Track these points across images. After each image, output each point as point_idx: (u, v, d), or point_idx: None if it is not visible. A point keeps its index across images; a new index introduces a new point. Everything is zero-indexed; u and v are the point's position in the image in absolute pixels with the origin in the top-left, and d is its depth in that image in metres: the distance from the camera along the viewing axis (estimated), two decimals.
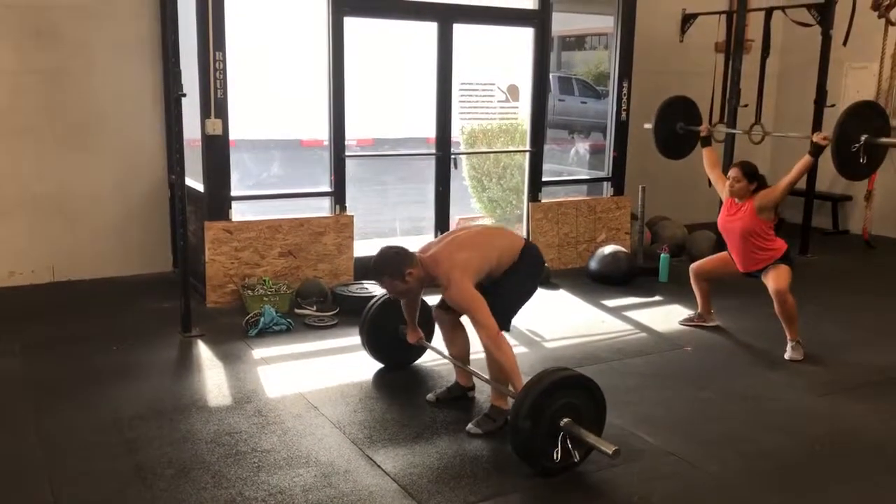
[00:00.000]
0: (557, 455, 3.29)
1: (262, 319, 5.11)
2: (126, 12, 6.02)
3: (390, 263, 3.73)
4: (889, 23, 7.50)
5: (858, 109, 4.97)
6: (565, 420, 3.28)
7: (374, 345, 4.48)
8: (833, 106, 7.76)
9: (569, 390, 3.35)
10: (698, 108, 5.99)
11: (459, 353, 4.15)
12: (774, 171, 7.39)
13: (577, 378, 3.43)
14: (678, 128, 5.54)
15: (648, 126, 5.97)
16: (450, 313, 4.06)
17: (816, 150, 4.85)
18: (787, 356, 4.88)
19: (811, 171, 7.66)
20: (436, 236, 6.19)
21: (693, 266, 5.39)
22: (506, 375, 3.64)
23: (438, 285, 3.75)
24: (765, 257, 4.95)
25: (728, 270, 5.21)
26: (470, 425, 3.78)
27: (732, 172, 4.95)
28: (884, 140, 4.91)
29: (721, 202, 5.25)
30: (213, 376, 4.42)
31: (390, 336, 4.43)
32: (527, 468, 3.39)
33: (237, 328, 5.14)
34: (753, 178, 4.92)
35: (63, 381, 4.28)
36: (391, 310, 4.38)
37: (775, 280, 4.87)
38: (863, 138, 4.85)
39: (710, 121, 7.93)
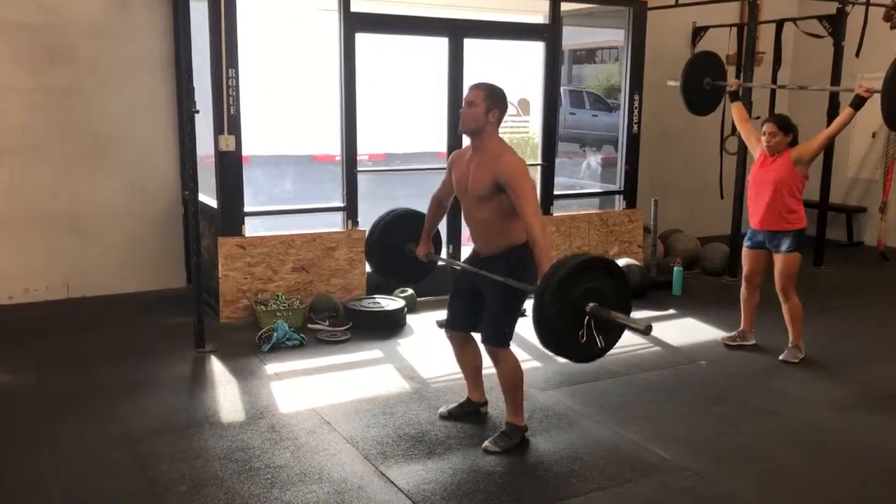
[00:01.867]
0: (583, 336, 3.15)
1: (274, 335, 5.12)
2: (139, 30, 6.08)
3: (497, 91, 3.66)
4: None
5: None
6: (591, 306, 3.14)
7: (380, 259, 4.28)
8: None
9: (592, 274, 3.19)
10: (724, 65, 5.86)
11: (471, 367, 4.13)
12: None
13: (601, 262, 3.29)
14: (705, 83, 5.47)
15: (673, 83, 5.85)
16: (459, 332, 4.03)
17: (859, 102, 4.83)
18: (781, 357, 4.96)
19: (825, 182, 7.68)
20: (448, 250, 6.19)
21: (746, 275, 5.22)
22: (540, 254, 3.42)
23: (480, 154, 3.63)
24: (784, 219, 4.89)
25: (761, 258, 5.11)
26: (487, 443, 3.76)
27: (767, 128, 4.89)
28: None
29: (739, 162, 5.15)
30: (226, 392, 4.43)
31: (397, 252, 4.22)
32: (541, 488, 3.37)
33: (250, 343, 5.15)
34: (788, 130, 4.89)
35: (77, 396, 4.30)
36: (399, 227, 4.22)
37: (781, 274, 4.90)
38: None
39: (723, 132, 7.94)
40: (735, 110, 5.42)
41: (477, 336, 3.91)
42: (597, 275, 3.20)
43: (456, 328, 4.03)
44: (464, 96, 3.71)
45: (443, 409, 4.16)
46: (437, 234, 4.26)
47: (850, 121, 4.88)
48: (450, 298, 4.06)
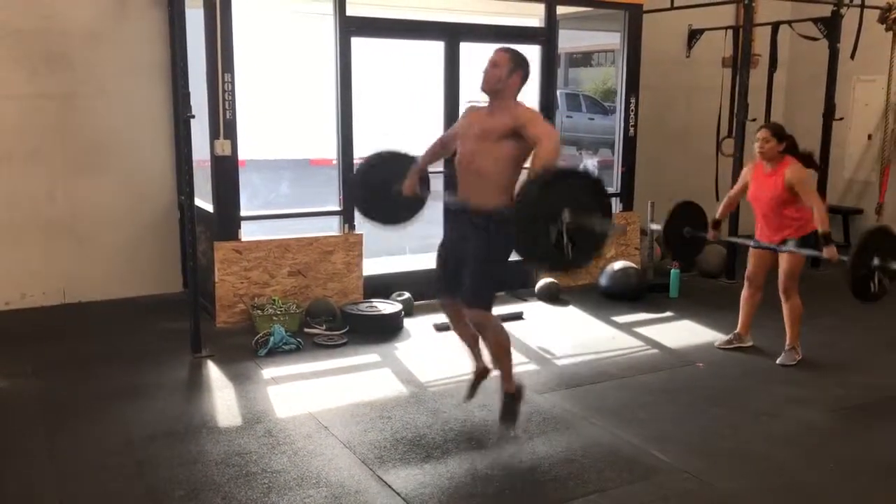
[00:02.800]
0: (559, 240, 3.21)
1: (271, 339, 5.11)
2: (136, 36, 6.07)
3: (521, 57, 3.71)
4: None
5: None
6: (568, 211, 3.20)
7: (366, 201, 4.28)
8: (841, 119, 7.76)
9: (572, 181, 3.29)
10: (705, 214, 5.81)
11: (468, 334, 4.07)
12: None
13: (581, 173, 3.42)
14: (685, 232, 5.53)
15: (655, 227, 5.84)
16: (452, 299, 3.95)
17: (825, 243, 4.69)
18: (778, 361, 4.95)
19: (822, 184, 7.68)
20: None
21: (748, 275, 5.21)
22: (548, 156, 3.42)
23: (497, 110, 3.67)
24: (792, 225, 4.86)
25: (767, 258, 5.09)
26: (504, 429, 3.86)
27: (761, 134, 4.85)
28: None
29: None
30: (222, 397, 4.42)
31: (383, 193, 4.18)
32: (539, 492, 3.36)
33: (247, 348, 5.14)
34: (782, 137, 4.83)
35: (74, 402, 4.29)
36: (385, 168, 4.20)
37: (784, 274, 4.89)
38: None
39: (719, 135, 7.96)
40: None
41: None
42: (576, 183, 3.29)
43: (448, 293, 3.96)
44: (489, 58, 3.72)
45: (463, 398, 4.19)
46: (427, 177, 4.19)
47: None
48: (436, 267, 4.02)
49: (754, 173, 4.99)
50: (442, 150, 4.11)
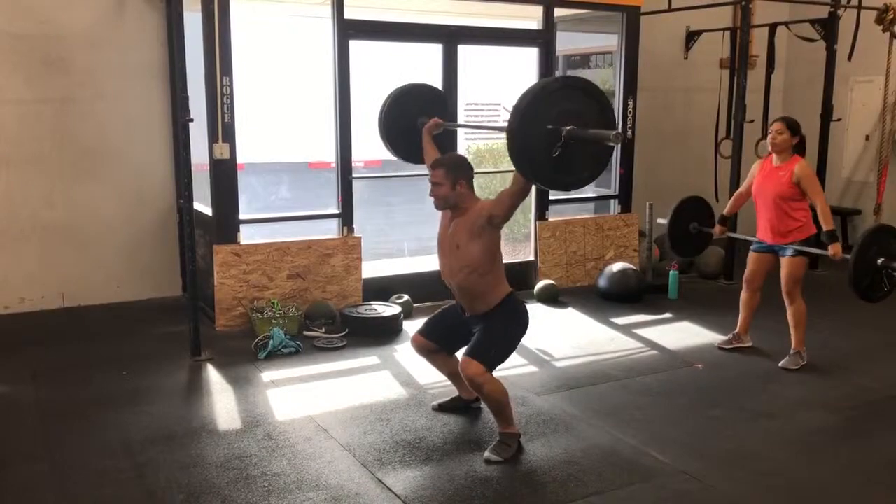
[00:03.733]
0: (556, 151, 3.19)
1: (270, 342, 5.11)
2: (134, 40, 6.08)
3: (455, 163, 3.80)
4: (893, 36, 7.50)
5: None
6: (568, 128, 3.20)
7: (392, 135, 4.39)
8: (839, 120, 7.77)
9: (568, 93, 3.28)
10: (712, 210, 5.78)
11: (447, 370, 4.15)
12: None
13: (578, 81, 3.35)
14: (691, 227, 5.49)
15: (662, 221, 5.82)
16: (426, 339, 4.07)
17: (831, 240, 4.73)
18: (781, 364, 4.92)
19: (820, 185, 7.68)
20: None
21: (746, 277, 5.22)
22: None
23: (460, 215, 3.77)
24: (793, 227, 4.85)
25: (765, 262, 5.10)
26: (487, 453, 3.72)
27: (776, 126, 4.87)
28: None
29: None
30: (222, 400, 4.42)
31: (409, 127, 4.31)
32: (538, 493, 3.36)
33: (246, 351, 5.14)
34: (796, 131, 4.85)
35: (74, 405, 4.29)
36: (409, 102, 4.30)
37: (787, 277, 4.87)
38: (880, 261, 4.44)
39: (717, 136, 7.97)
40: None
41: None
42: (574, 95, 3.26)
43: (429, 337, 4.05)
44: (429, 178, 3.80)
45: (434, 403, 4.22)
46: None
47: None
48: (438, 312, 4.11)
49: (762, 167, 5.02)
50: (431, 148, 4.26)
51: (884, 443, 3.96)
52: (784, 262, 4.93)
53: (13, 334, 5.52)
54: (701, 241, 5.57)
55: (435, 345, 4.06)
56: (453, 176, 3.71)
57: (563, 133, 3.19)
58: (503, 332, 3.76)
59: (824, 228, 4.71)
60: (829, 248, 4.68)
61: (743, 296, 5.27)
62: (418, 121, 4.29)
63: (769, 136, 4.92)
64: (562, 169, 3.27)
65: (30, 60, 5.78)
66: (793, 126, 4.87)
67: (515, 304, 3.83)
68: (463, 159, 3.85)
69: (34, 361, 4.95)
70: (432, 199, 3.80)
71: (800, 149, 4.92)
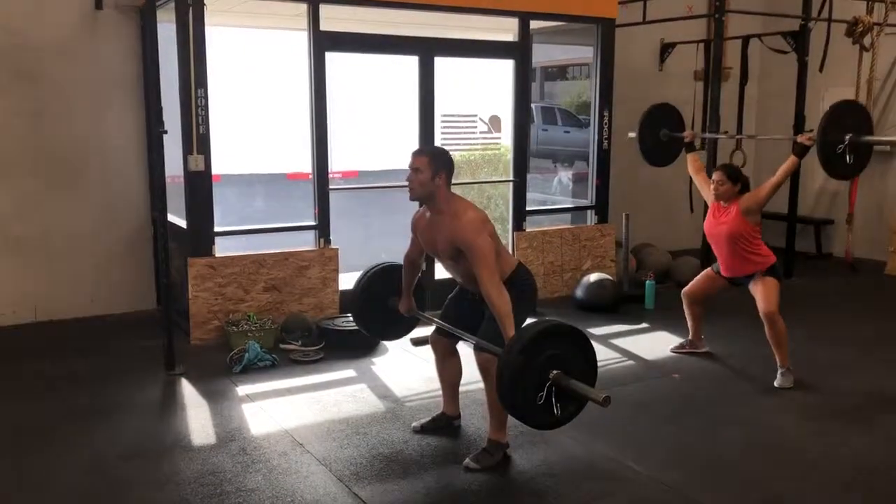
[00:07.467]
0: (541, 399, 3.14)
1: (246, 356, 5.06)
2: (107, 51, 6.03)
3: (440, 154, 3.71)
4: (863, 48, 7.63)
5: (841, 108, 4.90)
6: (554, 372, 3.15)
7: (364, 316, 4.29)
8: (811, 131, 7.85)
9: (559, 340, 3.23)
10: (681, 114, 5.87)
11: (450, 379, 4.12)
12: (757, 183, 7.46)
13: (568, 329, 3.31)
14: (662, 135, 5.49)
15: (632, 135, 5.90)
16: (446, 339, 4.00)
17: (801, 151, 4.86)
18: (776, 384, 4.85)
19: (793, 194, 7.79)
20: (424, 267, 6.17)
21: (685, 290, 5.35)
22: (501, 319, 3.45)
23: (436, 214, 3.68)
24: (752, 262, 4.91)
25: (716, 286, 5.18)
26: (467, 461, 3.71)
27: (716, 176, 4.96)
28: (869, 139, 4.83)
29: (707, 208, 5.23)
30: (196, 415, 4.37)
31: (381, 307, 4.24)
32: (516, 500, 3.34)
33: (221, 365, 5.09)
34: (737, 179, 4.93)
35: (46, 421, 4.21)
36: (383, 281, 4.22)
37: (764, 299, 4.83)
38: (847, 137, 4.75)
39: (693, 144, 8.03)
40: (690, 162, 5.45)
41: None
42: (564, 342, 3.23)
43: (443, 333, 3.98)
44: (408, 163, 3.69)
45: (416, 424, 4.15)
46: (420, 284, 4.22)
47: (795, 168, 4.93)
48: (448, 301, 4.02)
49: (713, 206, 5.08)
50: (414, 268, 4.09)
51: (860, 449, 3.98)
52: (756, 286, 4.90)
53: None
54: (674, 148, 5.58)
55: (448, 338, 3.98)
56: (435, 166, 3.62)
57: (550, 379, 3.16)
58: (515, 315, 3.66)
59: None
60: (798, 137, 4.85)
61: (685, 307, 5.34)
62: (390, 301, 4.21)
63: (711, 186, 5.00)
64: (544, 407, 3.22)
65: (1, 72, 5.71)
66: (733, 175, 4.94)
67: (521, 280, 3.76)
68: (448, 155, 3.76)
69: (5, 377, 4.87)
70: (408, 186, 3.66)
71: (744, 192, 4.97)
